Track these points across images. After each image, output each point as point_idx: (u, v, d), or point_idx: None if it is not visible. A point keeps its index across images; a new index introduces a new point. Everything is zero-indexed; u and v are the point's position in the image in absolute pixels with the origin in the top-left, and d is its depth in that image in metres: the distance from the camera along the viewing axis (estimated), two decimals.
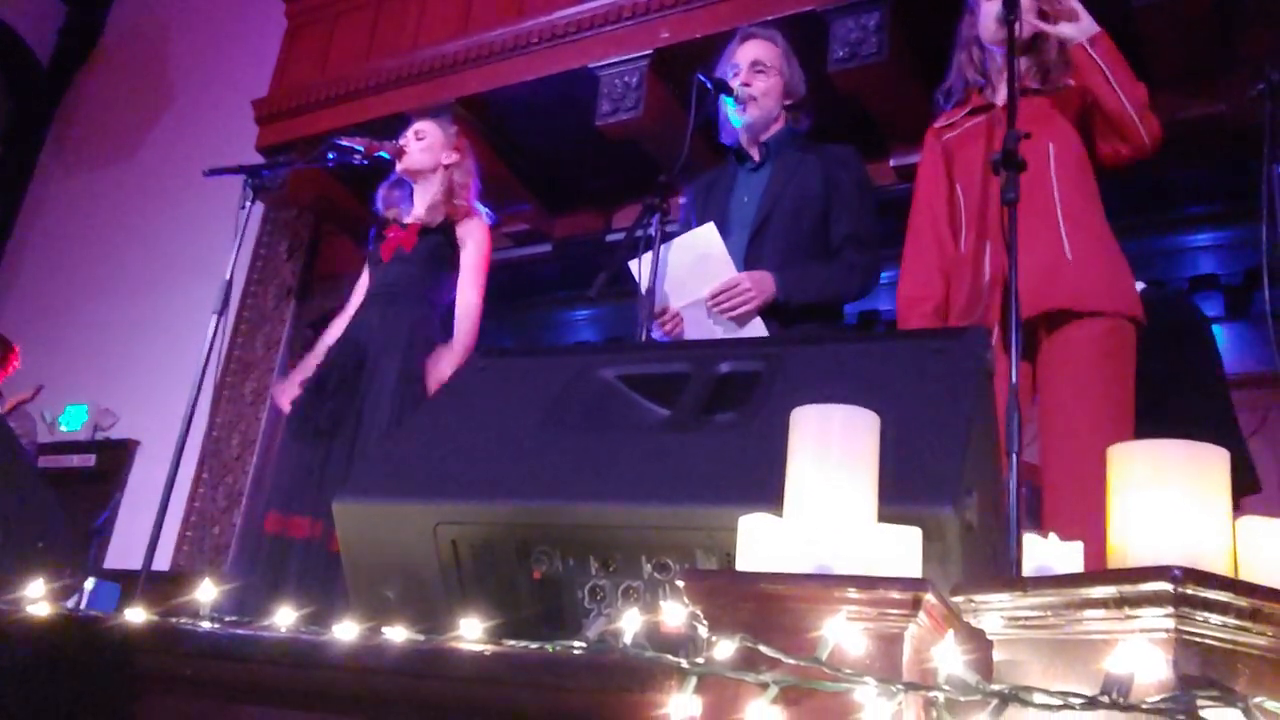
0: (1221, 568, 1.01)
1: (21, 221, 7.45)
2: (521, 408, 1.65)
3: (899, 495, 1.16)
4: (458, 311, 3.32)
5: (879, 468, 1.09)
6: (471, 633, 1.21)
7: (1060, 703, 0.89)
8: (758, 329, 2.70)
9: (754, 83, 2.93)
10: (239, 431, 5.76)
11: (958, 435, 1.34)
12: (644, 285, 2.65)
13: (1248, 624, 0.94)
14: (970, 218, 2.62)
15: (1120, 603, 0.95)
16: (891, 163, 4.28)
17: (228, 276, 3.13)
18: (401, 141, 3.49)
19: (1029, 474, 2.41)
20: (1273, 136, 2.48)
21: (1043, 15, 2.54)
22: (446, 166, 3.47)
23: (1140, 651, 0.90)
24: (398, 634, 1.24)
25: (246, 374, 5.89)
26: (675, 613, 1.07)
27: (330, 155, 3.40)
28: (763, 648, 0.96)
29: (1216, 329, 3.70)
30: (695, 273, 2.70)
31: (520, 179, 5.22)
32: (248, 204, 3.23)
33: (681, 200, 3.11)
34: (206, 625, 1.38)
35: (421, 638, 1.23)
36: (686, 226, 2.91)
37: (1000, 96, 2.59)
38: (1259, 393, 3.79)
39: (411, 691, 1.24)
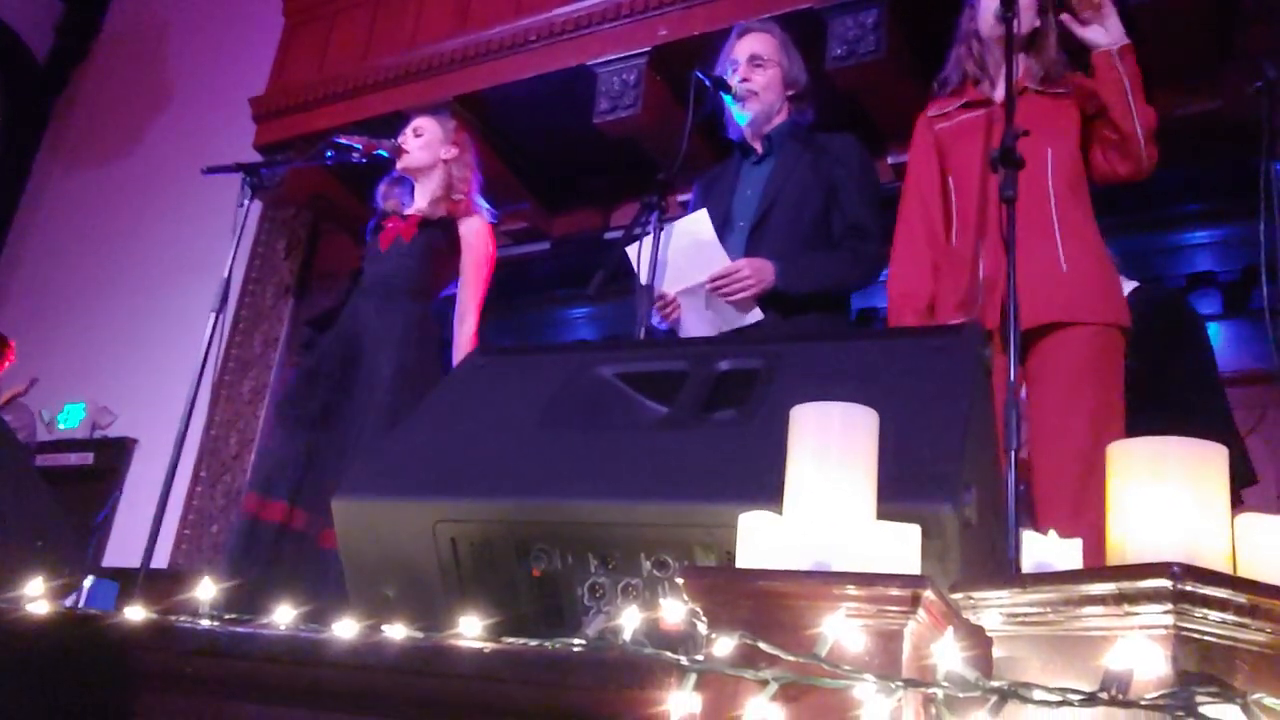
0: (1220, 564, 1.01)
1: (19, 219, 7.44)
2: (521, 406, 1.65)
3: (898, 492, 1.16)
4: (456, 334, 3.29)
5: (878, 465, 1.09)
6: (471, 630, 1.21)
7: (1059, 699, 0.89)
8: (755, 316, 2.71)
9: (753, 77, 2.93)
10: (237, 430, 5.76)
11: (956, 433, 1.34)
12: (642, 276, 2.65)
13: (1246, 620, 0.94)
14: (964, 213, 2.61)
15: (1119, 599, 0.95)
16: (889, 160, 4.27)
17: (226, 274, 3.13)
18: (400, 139, 3.49)
19: (1026, 471, 2.42)
20: (1270, 133, 2.48)
21: (1071, 13, 2.50)
22: (445, 161, 3.47)
23: (1139, 648, 0.91)
24: (397, 631, 1.24)
25: (245, 372, 5.89)
26: (675, 610, 1.07)
27: (328, 153, 3.40)
28: (762, 645, 0.96)
29: (1214, 326, 3.71)
30: (690, 259, 2.71)
31: (518, 177, 5.21)
32: (246, 202, 3.23)
33: (687, 197, 3.11)
34: (205, 623, 1.38)
35: (421, 635, 1.23)
36: None
37: (999, 93, 2.59)
38: (1256, 390, 3.79)
39: (411, 689, 1.24)
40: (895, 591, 0.95)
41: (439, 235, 3.35)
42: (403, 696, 1.25)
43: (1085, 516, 2.12)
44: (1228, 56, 3.85)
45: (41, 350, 6.04)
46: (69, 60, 7.74)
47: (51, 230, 7.26)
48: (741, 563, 1.07)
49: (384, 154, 3.42)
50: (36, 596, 1.45)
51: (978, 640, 1.05)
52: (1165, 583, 0.92)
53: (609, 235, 5.10)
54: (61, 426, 6.17)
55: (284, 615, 1.35)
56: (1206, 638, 0.93)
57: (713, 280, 2.69)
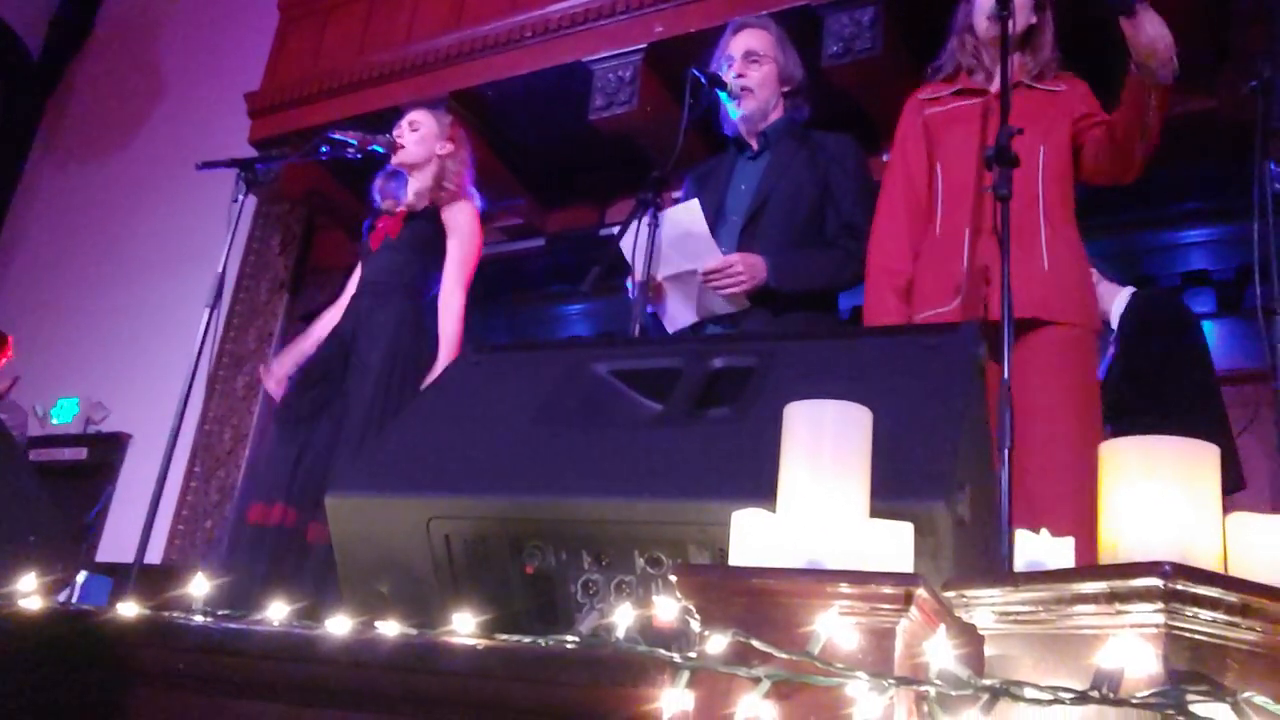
0: (1211, 563, 1.01)
1: (12, 214, 7.43)
2: (514, 402, 1.65)
3: (891, 490, 1.16)
4: (441, 317, 3.26)
5: (871, 463, 1.10)
6: (464, 627, 1.21)
7: (1051, 697, 0.89)
8: (740, 304, 2.72)
9: (748, 73, 2.93)
10: (231, 425, 5.75)
11: (950, 431, 1.34)
12: (638, 272, 2.65)
13: (1237, 619, 0.94)
14: (950, 203, 2.60)
15: (1111, 598, 0.95)
16: (885, 158, 4.27)
17: (220, 270, 3.12)
18: (396, 133, 3.48)
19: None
20: (1265, 133, 2.49)
21: (1126, 37, 2.42)
22: (441, 157, 3.46)
23: (1130, 646, 0.91)
24: (391, 628, 1.24)
25: (239, 367, 5.88)
26: (668, 607, 1.07)
27: (323, 149, 3.39)
28: (755, 642, 0.96)
29: (1207, 325, 3.72)
30: (679, 247, 2.71)
31: (513, 173, 5.21)
32: (240, 197, 3.22)
33: (678, 193, 3.11)
34: (199, 619, 1.38)
35: (414, 632, 1.23)
36: None
37: (994, 84, 2.59)
38: (1250, 389, 3.80)
39: (404, 686, 1.24)
40: (888, 589, 0.95)
41: (425, 225, 3.35)
42: (396, 693, 1.25)
43: (1065, 510, 2.13)
44: (1224, 56, 3.85)
45: (35, 344, 6.03)
46: (63, 55, 7.73)
47: (45, 225, 7.25)
48: (735, 560, 1.07)
49: (379, 149, 3.42)
50: (29, 592, 1.44)
51: (970, 638, 1.05)
52: (1156, 581, 0.92)
53: (604, 232, 5.10)
54: (55, 421, 6.16)
55: (278, 612, 1.35)
56: (1197, 636, 0.93)
57: (706, 274, 2.69)
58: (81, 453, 6.06)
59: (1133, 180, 2.55)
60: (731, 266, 2.68)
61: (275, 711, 1.33)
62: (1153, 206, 4.32)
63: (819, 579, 0.98)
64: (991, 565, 1.52)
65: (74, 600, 3.20)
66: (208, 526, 5.51)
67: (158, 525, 2.97)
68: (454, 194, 3.40)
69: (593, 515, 1.41)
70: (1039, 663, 1.01)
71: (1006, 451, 1.94)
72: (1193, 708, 0.86)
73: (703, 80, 2.85)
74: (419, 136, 3.47)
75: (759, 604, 0.99)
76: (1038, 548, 1.19)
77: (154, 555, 4.82)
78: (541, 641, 1.15)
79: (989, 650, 1.06)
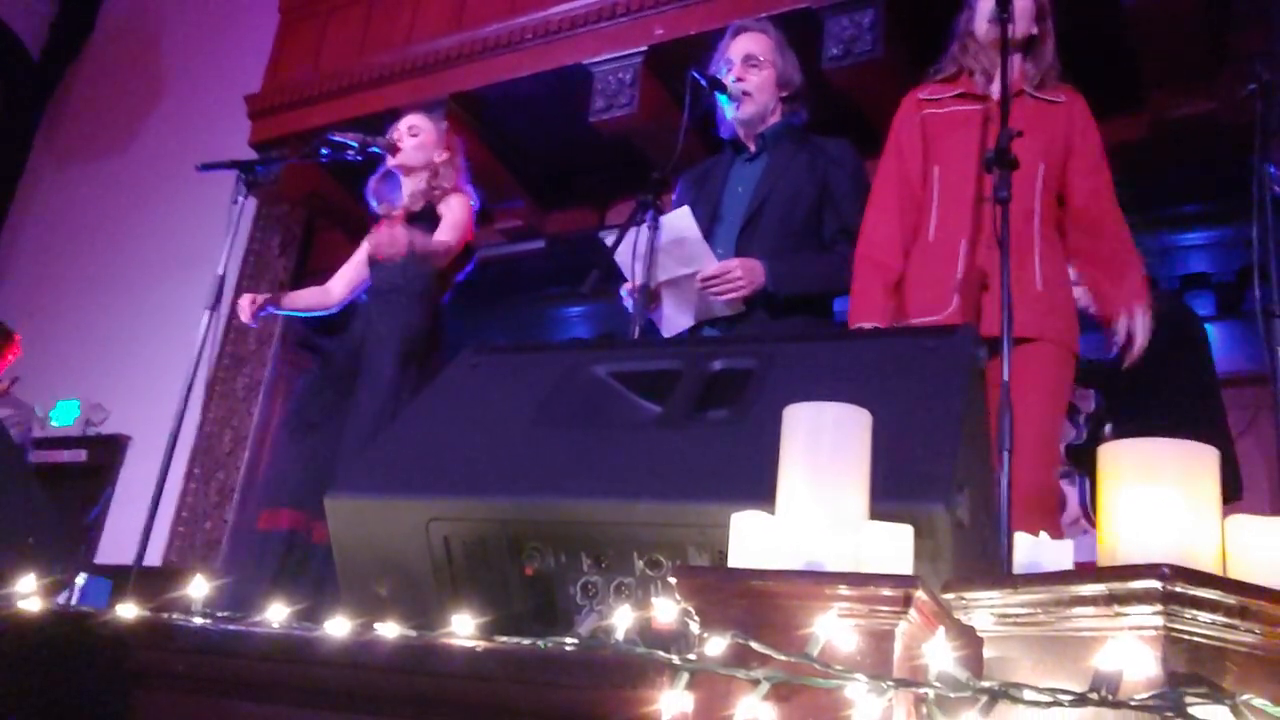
0: (1210, 566, 1.01)
1: (12, 216, 7.43)
2: (514, 404, 1.65)
3: (891, 493, 1.16)
4: (436, 236, 3.22)
5: (871, 465, 1.10)
6: (463, 629, 1.21)
7: (1050, 700, 0.89)
8: (736, 307, 2.72)
9: (747, 77, 2.93)
10: (231, 427, 5.76)
11: (949, 433, 1.34)
12: (636, 278, 2.65)
13: (1236, 621, 0.94)
14: (945, 208, 2.58)
15: (1109, 600, 0.95)
16: None
17: (220, 271, 3.12)
18: (394, 136, 3.48)
19: None
20: (1264, 135, 2.49)
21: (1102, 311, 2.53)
22: (436, 164, 3.47)
23: (1129, 649, 0.91)
24: (390, 630, 1.24)
25: (238, 369, 5.89)
26: (667, 609, 1.07)
27: (323, 150, 3.39)
28: (754, 644, 0.97)
29: (1208, 328, 3.71)
30: (673, 253, 2.71)
31: (513, 175, 5.22)
32: (240, 199, 3.23)
33: (673, 196, 3.11)
34: (199, 621, 1.38)
35: (413, 634, 1.23)
36: None
37: (994, 89, 2.58)
38: (1249, 392, 3.81)
39: (403, 687, 1.24)
40: (887, 592, 0.95)
41: (425, 226, 3.35)
42: (395, 695, 1.25)
43: (1039, 520, 2.12)
44: (1222, 59, 3.86)
45: (35, 347, 6.03)
46: (63, 57, 7.73)
47: (45, 227, 7.25)
48: (734, 562, 1.07)
49: (379, 151, 3.42)
50: (29, 594, 1.44)
51: (969, 640, 1.05)
52: (1155, 584, 0.92)
53: (603, 234, 5.10)
54: (55, 423, 6.16)
55: (277, 613, 1.35)
56: (1196, 639, 0.94)
57: (704, 280, 2.69)
58: (81, 454, 6.06)
59: None
60: (730, 272, 2.68)
61: (274, 713, 1.33)
62: (1152, 209, 4.33)
63: (818, 581, 0.98)
64: (990, 567, 1.52)
65: (73, 602, 3.20)
66: (207, 528, 5.51)
67: (157, 527, 2.98)
68: (449, 191, 3.41)
69: (592, 517, 1.41)
70: (1038, 665, 1.01)
71: (1006, 454, 1.95)
72: (1191, 710, 0.86)
73: (702, 83, 2.85)
74: (418, 143, 3.46)
75: (758, 606, 0.99)
76: (1036, 550, 1.19)
77: (153, 557, 4.82)
78: (541, 643, 1.15)
79: (988, 652, 1.06)
